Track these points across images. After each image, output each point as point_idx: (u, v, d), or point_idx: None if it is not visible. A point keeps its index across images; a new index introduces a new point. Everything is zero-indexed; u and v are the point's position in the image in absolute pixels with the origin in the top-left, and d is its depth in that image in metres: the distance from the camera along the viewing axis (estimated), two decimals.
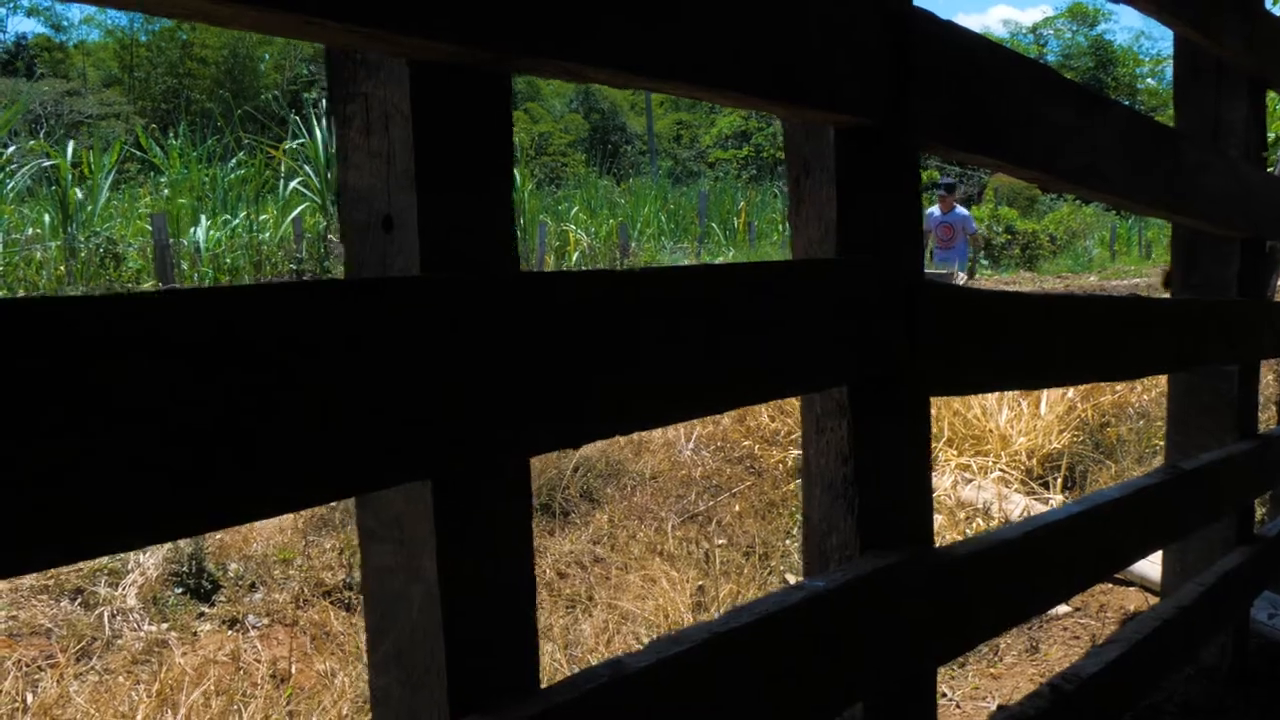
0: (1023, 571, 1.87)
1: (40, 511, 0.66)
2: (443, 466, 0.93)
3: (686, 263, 17.33)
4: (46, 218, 14.50)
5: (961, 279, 10.76)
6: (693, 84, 1.17)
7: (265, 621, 4.31)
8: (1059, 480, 5.28)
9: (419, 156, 0.94)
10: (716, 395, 1.19)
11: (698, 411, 1.17)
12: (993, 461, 5.48)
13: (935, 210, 12.20)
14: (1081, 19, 57.13)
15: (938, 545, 1.69)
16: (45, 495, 0.66)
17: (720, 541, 4.95)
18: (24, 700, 3.47)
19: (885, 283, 1.49)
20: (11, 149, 14.83)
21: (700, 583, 4.54)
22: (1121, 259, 28.92)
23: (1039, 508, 4.81)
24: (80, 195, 14.29)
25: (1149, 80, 55.39)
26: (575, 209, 20.97)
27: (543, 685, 1.06)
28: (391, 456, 0.88)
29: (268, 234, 15.45)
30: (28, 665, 3.72)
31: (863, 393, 1.50)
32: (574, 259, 18.00)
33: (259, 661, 3.95)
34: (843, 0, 1.43)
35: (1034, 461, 5.64)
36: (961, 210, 12.37)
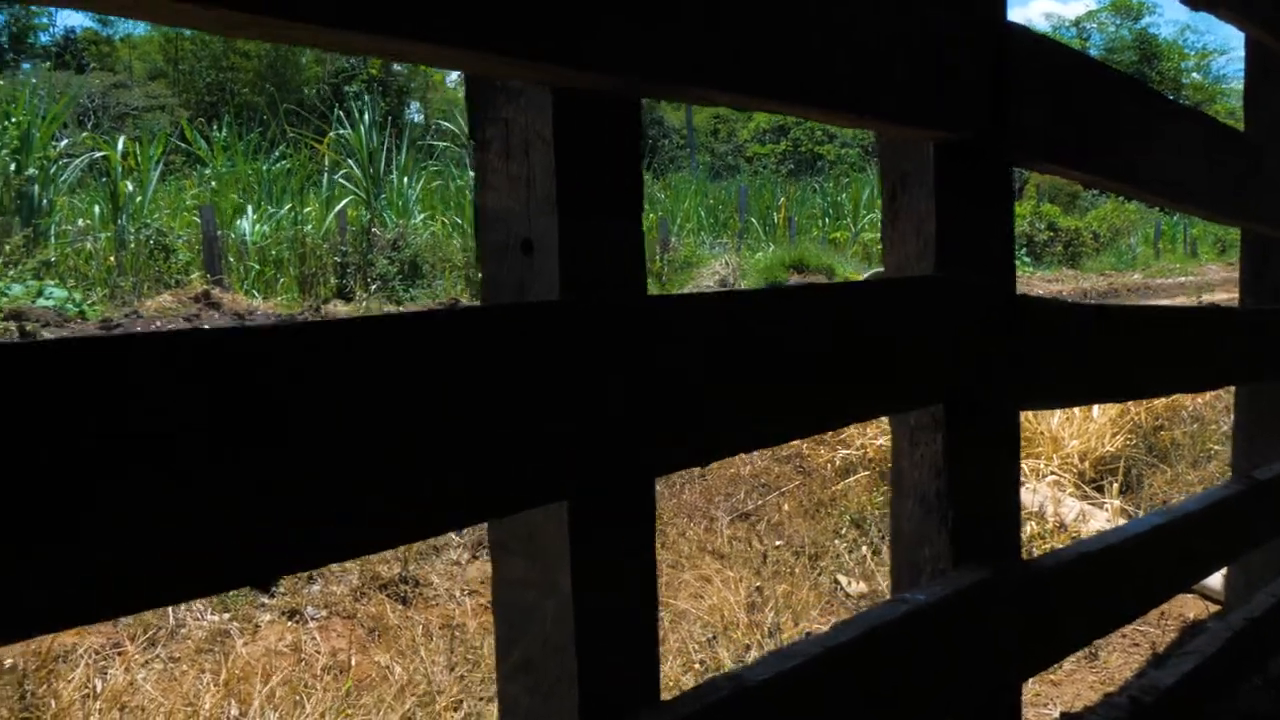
0: (1107, 584, 1.87)
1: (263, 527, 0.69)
2: (581, 487, 0.95)
3: (727, 258, 17.33)
4: (97, 209, 14.69)
5: None
6: (809, 105, 1.19)
7: (324, 614, 4.36)
8: (1115, 484, 5.25)
9: (560, 181, 0.96)
10: (831, 413, 1.21)
11: (816, 429, 1.19)
12: (1044, 464, 5.45)
13: None
14: (1125, 12, 56.50)
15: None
16: (247, 513, 0.69)
17: (778, 543, 4.96)
18: (94, 688, 3.54)
19: (985, 299, 1.50)
20: (65, 142, 15.04)
21: (753, 582, 4.55)
22: (1166, 256, 28.64)
23: (1095, 512, 4.78)
24: (130, 187, 14.47)
25: (1194, 75, 54.76)
26: None
27: None
28: (536, 479, 0.90)
29: (310, 226, 15.57)
30: (96, 653, 3.80)
31: (958, 408, 1.51)
32: None
33: (319, 653, 4.01)
34: (945, 15, 1.44)
35: (1086, 464, 5.61)
36: None
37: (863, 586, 4.71)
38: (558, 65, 0.90)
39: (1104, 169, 1.84)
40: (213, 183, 17.22)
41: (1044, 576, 1.71)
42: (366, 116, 16.62)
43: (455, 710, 3.43)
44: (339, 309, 12.84)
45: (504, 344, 0.88)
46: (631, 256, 1.02)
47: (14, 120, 13.07)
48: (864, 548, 5.22)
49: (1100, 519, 4.75)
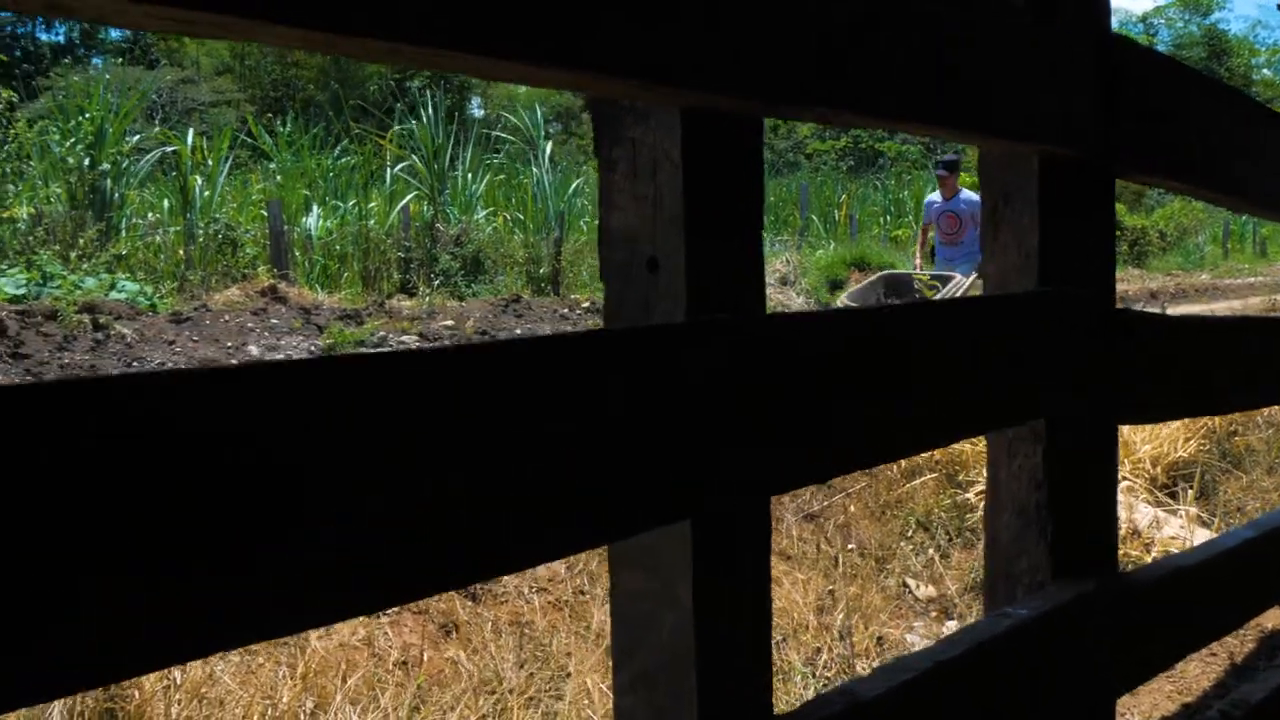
0: (1201, 598, 1.85)
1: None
2: (704, 504, 0.97)
3: (788, 256, 17.26)
4: (166, 203, 14.96)
5: (965, 286, 8.32)
6: (927, 123, 1.19)
7: (395, 609, 4.43)
8: (1191, 491, 5.17)
9: (688, 201, 0.97)
10: (945, 430, 1.21)
11: (929, 446, 1.20)
12: None
13: (935, 197, 9.44)
14: (1194, 7, 55.44)
15: None
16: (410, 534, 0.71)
17: (850, 546, 4.95)
18: (174, 679, 3.61)
19: (1087, 312, 1.50)
20: (136, 137, 15.33)
21: (821, 584, 4.55)
22: (1235, 256, 28.09)
23: (1169, 519, 4.72)
24: (199, 182, 14.73)
25: (1265, 71, 53.64)
26: None
27: None
28: (663, 498, 0.92)
29: (373, 221, 15.74)
30: None
31: (1059, 421, 1.50)
32: None
33: (391, 648, 4.07)
34: (1052, 32, 1.43)
35: (1158, 470, 5.53)
36: (971, 195, 9.13)
37: (931, 590, 4.69)
38: (693, 90, 0.92)
39: (1207, 181, 1.83)
40: (278, 177, 17.45)
41: (1139, 591, 1.69)
42: (431, 112, 16.74)
43: (531, 708, 3.46)
44: (403, 304, 12.97)
45: (636, 366, 0.90)
46: (753, 275, 1.03)
47: (88, 116, 13.34)
48: (930, 550, 5.19)
49: (1174, 526, 4.69)
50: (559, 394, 0.84)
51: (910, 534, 5.39)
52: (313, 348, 11.05)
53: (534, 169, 18.20)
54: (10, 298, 9.85)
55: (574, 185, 18.56)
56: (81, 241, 11.61)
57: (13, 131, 12.59)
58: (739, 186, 1.02)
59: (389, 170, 17.52)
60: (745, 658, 1.05)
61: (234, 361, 9.87)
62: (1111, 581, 1.62)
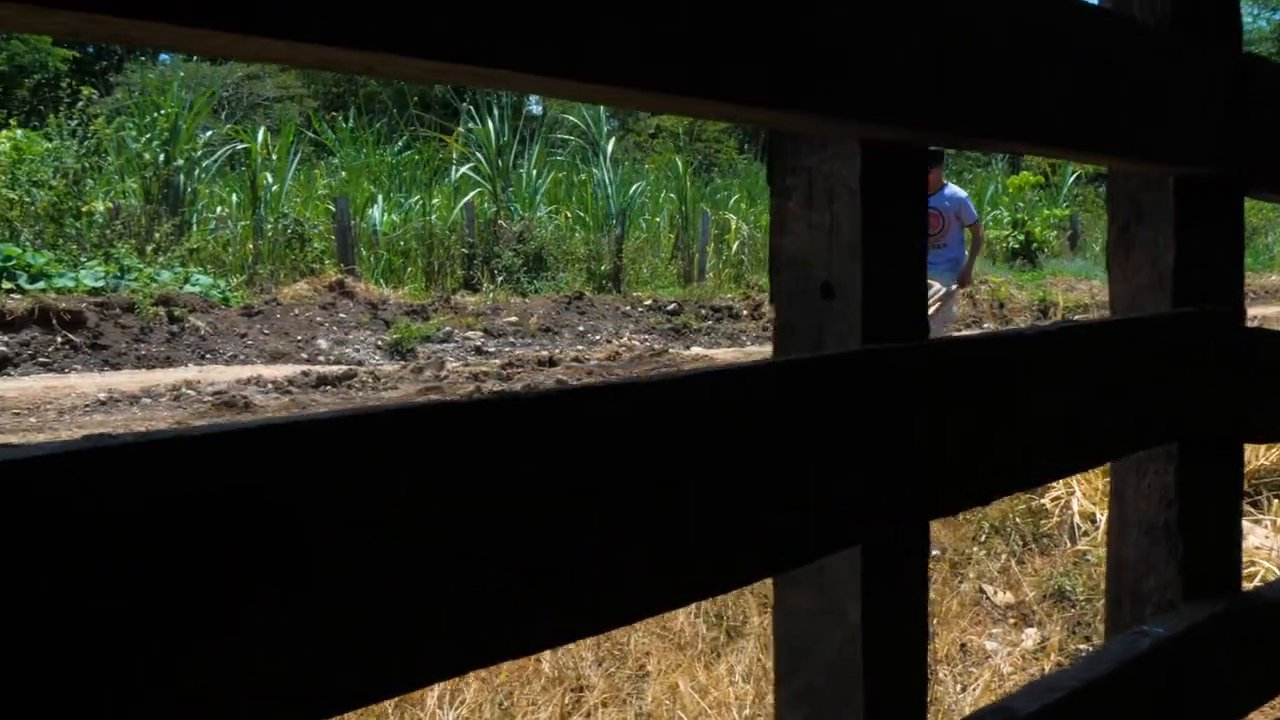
0: None
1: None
2: (875, 531, 0.99)
3: None
4: (234, 198, 15.22)
5: (942, 294, 7.52)
6: (1074, 148, 1.21)
7: None
8: (1276, 501, 5.10)
9: (865, 229, 0.99)
10: (1093, 453, 1.23)
11: (1078, 469, 1.21)
12: None
13: None
14: (1264, 3, 54.38)
15: None
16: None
17: (935, 552, 4.94)
18: None
19: (1224, 332, 1.50)
20: (209, 133, 15.63)
21: None
22: None
23: (1254, 529, 4.67)
24: (268, 178, 14.97)
25: None
26: (735, 197, 20.90)
27: None
28: (836, 528, 0.94)
29: (435, 216, 15.89)
30: None
31: (1192, 441, 1.51)
32: (734, 248, 18.03)
33: None
34: (1194, 54, 1.44)
35: None
36: (955, 191, 8.30)
37: (1009, 597, 4.67)
38: (873, 123, 0.94)
39: None
40: (342, 172, 17.65)
41: (1260, 611, 1.69)
42: (495, 110, 16.86)
43: (616, 707, 3.50)
44: (466, 299, 13.10)
45: (818, 394, 0.92)
46: (920, 300, 1.06)
47: (163, 112, 13.62)
48: (1005, 556, 5.16)
49: (1259, 535, 4.64)
50: (749, 425, 0.87)
51: (983, 539, 5.36)
52: (380, 342, 11.21)
53: (594, 168, 18.28)
54: (90, 289, 10.09)
55: (635, 187, 18.61)
56: (157, 235, 11.86)
57: (92, 128, 12.88)
58: (909, 213, 1.04)
59: (453, 167, 17.65)
60: (908, 674, 1.07)
61: (304, 354, 9.82)
62: (1237, 601, 1.62)
